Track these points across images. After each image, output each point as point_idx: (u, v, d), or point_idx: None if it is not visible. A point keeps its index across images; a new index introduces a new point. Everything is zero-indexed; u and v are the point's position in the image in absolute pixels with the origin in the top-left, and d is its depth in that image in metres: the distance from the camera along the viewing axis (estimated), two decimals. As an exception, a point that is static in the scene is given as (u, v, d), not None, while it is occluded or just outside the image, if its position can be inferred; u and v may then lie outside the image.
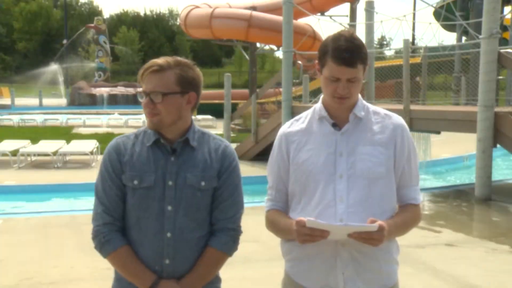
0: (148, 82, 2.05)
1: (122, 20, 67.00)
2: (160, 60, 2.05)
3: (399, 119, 2.15)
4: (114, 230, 2.07)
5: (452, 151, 14.49)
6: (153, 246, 2.03)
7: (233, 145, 2.20)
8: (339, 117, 2.10)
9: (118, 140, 2.14)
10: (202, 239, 2.09)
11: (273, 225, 2.16)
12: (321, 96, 2.16)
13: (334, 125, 2.09)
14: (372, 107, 2.15)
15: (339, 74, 1.98)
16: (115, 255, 2.05)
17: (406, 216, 2.11)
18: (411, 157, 2.12)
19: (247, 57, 26.31)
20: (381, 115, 2.13)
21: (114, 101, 34.07)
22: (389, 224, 1.97)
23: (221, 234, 2.10)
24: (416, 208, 2.15)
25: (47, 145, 13.23)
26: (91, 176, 10.68)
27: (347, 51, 1.96)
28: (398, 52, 17.26)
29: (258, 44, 25.11)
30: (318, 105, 2.14)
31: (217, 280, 2.20)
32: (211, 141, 2.15)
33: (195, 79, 2.10)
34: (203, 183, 2.06)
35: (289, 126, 2.19)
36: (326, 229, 1.91)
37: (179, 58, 2.10)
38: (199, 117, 21.90)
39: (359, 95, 2.13)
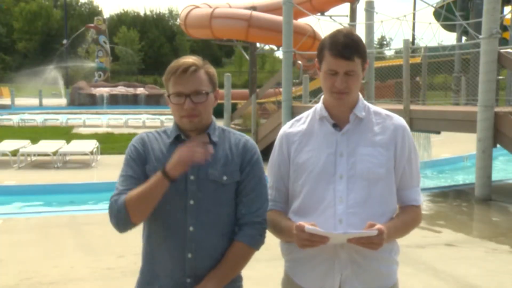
0: (185, 83, 2.02)
1: (122, 20, 66.97)
2: (191, 59, 2.06)
3: (400, 120, 2.14)
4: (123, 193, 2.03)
5: (452, 151, 14.49)
6: (175, 240, 2.03)
7: (256, 148, 2.24)
8: (339, 117, 2.09)
9: (142, 134, 2.16)
10: (225, 236, 2.08)
11: (273, 226, 2.16)
12: (322, 96, 2.17)
13: (335, 125, 2.09)
14: (373, 108, 2.15)
15: (336, 67, 1.99)
16: (129, 200, 1.97)
17: (406, 217, 2.11)
18: (411, 158, 2.12)
19: (247, 57, 26.29)
20: (382, 115, 2.13)
21: (114, 101, 34.07)
22: (388, 227, 1.97)
23: (247, 228, 2.09)
24: (416, 209, 2.15)
25: (47, 145, 13.22)
26: (91, 176, 10.75)
27: (344, 44, 1.98)
28: (398, 52, 17.25)
29: (258, 44, 25.09)
30: (319, 105, 2.14)
31: (239, 278, 2.19)
32: (232, 136, 2.16)
33: (216, 75, 2.15)
34: (225, 178, 2.06)
35: (290, 127, 2.19)
36: (325, 235, 1.91)
37: (199, 57, 2.12)
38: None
39: (360, 95, 2.13)
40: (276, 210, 2.19)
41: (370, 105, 2.16)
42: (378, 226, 1.91)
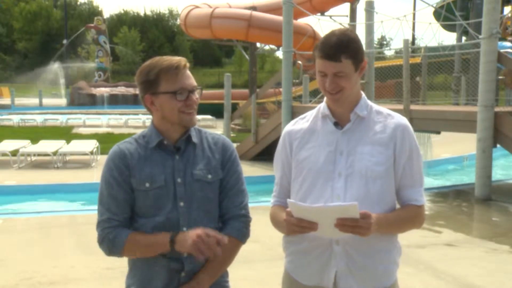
0: (185, 79, 2.06)
1: (122, 20, 66.93)
2: (177, 57, 2.09)
3: (401, 119, 2.13)
4: (120, 226, 2.06)
5: (452, 151, 14.49)
6: None
7: (233, 145, 2.28)
8: (341, 116, 2.11)
9: (121, 146, 2.13)
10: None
11: (274, 220, 2.18)
12: None
13: (336, 124, 2.11)
14: (376, 107, 2.15)
15: (325, 68, 2.02)
16: (128, 243, 2.04)
17: (402, 213, 2.10)
18: (412, 157, 2.11)
19: (247, 57, 26.28)
20: (384, 114, 2.13)
21: (114, 101, 34.05)
22: (378, 216, 1.96)
23: (234, 222, 2.14)
24: (416, 208, 2.12)
25: (47, 145, 13.22)
26: (91, 176, 10.74)
27: (332, 45, 1.99)
28: (398, 52, 17.25)
29: (258, 44, 25.09)
30: (322, 104, 2.16)
31: (226, 274, 2.22)
32: (208, 135, 2.20)
33: None
34: (209, 176, 2.11)
35: (293, 124, 2.22)
36: (307, 210, 1.91)
37: None
38: (199, 117, 21.85)
39: (363, 94, 2.13)
40: (279, 206, 2.22)
41: (373, 104, 2.16)
42: (364, 211, 1.89)
